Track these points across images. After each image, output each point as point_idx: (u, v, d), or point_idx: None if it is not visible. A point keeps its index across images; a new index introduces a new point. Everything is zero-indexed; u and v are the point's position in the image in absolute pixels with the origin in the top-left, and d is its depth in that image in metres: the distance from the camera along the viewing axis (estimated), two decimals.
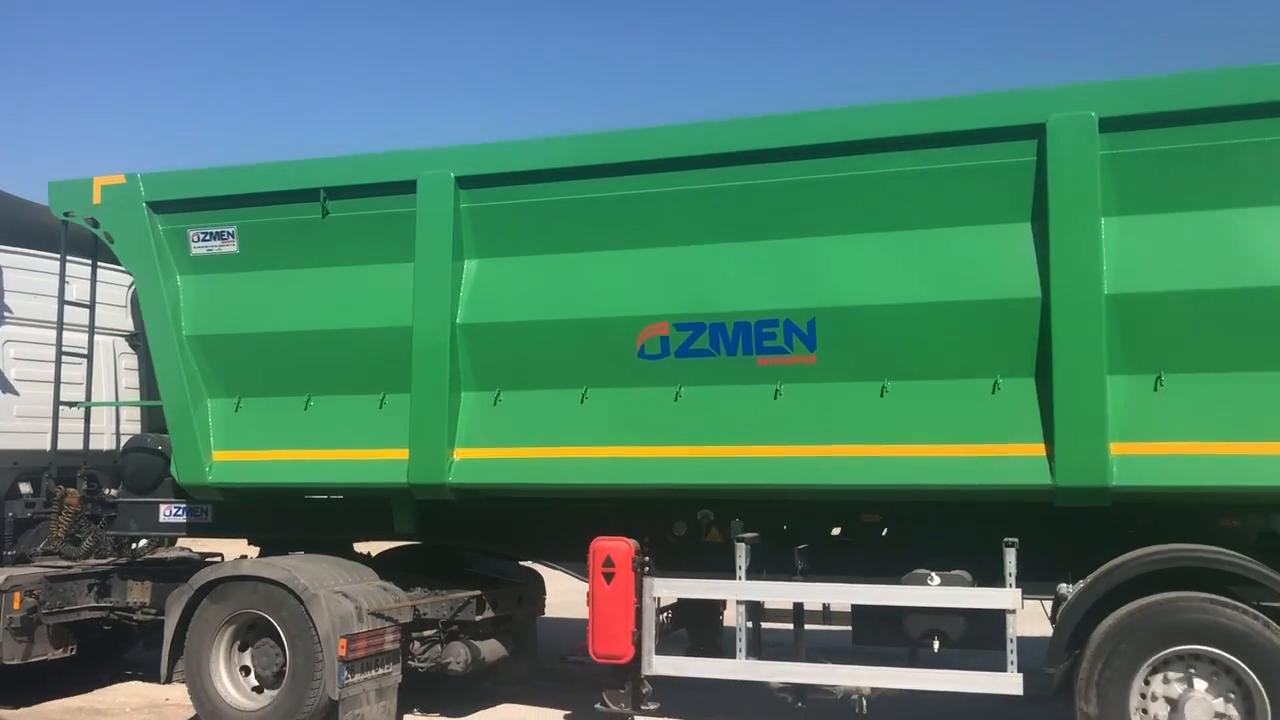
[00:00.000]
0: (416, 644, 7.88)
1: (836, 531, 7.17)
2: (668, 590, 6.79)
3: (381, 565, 8.37)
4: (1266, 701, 5.63)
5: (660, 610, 7.34)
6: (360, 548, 8.84)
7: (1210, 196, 5.93)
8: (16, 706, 8.60)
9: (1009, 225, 6.19)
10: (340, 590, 7.47)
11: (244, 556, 8.58)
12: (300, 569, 7.59)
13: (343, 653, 7.18)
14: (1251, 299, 5.78)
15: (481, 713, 8.35)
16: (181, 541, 9.67)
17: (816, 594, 6.62)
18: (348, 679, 7.23)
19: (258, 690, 7.64)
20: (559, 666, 9.18)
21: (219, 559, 9.21)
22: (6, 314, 9.14)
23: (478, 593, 7.81)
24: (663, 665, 6.68)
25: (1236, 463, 5.78)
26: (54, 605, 8.47)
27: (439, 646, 7.85)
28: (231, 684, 7.66)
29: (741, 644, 6.58)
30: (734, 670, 6.58)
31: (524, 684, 8.95)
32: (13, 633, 8.23)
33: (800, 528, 6.99)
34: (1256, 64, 5.90)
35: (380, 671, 7.55)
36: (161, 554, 9.81)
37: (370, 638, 7.42)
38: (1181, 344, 5.90)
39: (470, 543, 8.21)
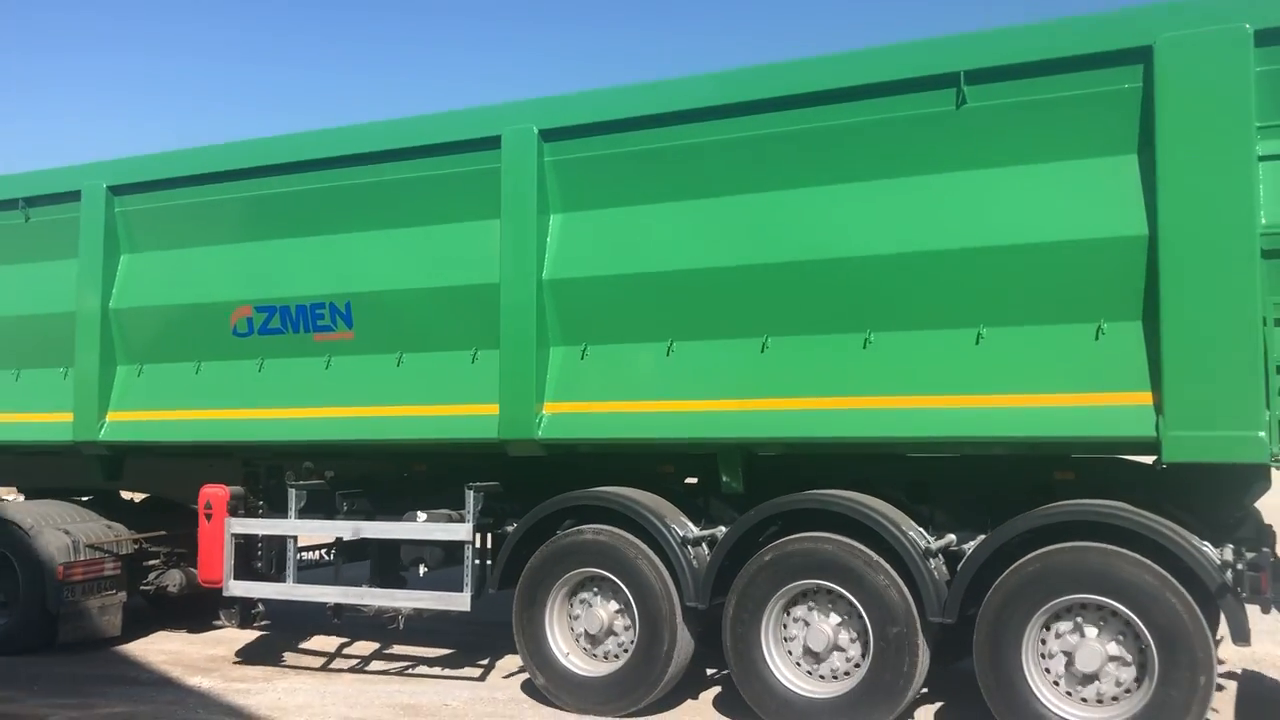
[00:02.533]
0: (151, 572, 9.49)
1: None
2: (241, 528, 8.16)
3: (137, 510, 10.03)
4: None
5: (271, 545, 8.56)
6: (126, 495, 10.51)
7: (627, 195, 6.97)
8: None
9: (481, 222, 7.31)
10: (63, 528, 9.10)
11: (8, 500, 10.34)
12: (31, 510, 9.26)
13: (60, 577, 8.81)
14: (647, 282, 6.84)
15: (209, 634, 9.90)
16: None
17: (338, 529, 7.89)
18: (67, 598, 8.85)
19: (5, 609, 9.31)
20: None
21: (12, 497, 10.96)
22: None
23: (163, 532, 9.35)
24: (237, 588, 8.08)
25: (639, 418, 6.84)
26: None
27: (164, 573, 9.45)
28: None
29: (290, 570, 7.95)
30: (282, 592, 7.96)
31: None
32: None
33: (376, 475, 8.31)
34: (661, 79, 6.92)
35: (105, 593, 9.15)
36: None
37: (87, 566, 9.03)
38: (601, 320, 6.99)
39: (149, 490, 9.78)
